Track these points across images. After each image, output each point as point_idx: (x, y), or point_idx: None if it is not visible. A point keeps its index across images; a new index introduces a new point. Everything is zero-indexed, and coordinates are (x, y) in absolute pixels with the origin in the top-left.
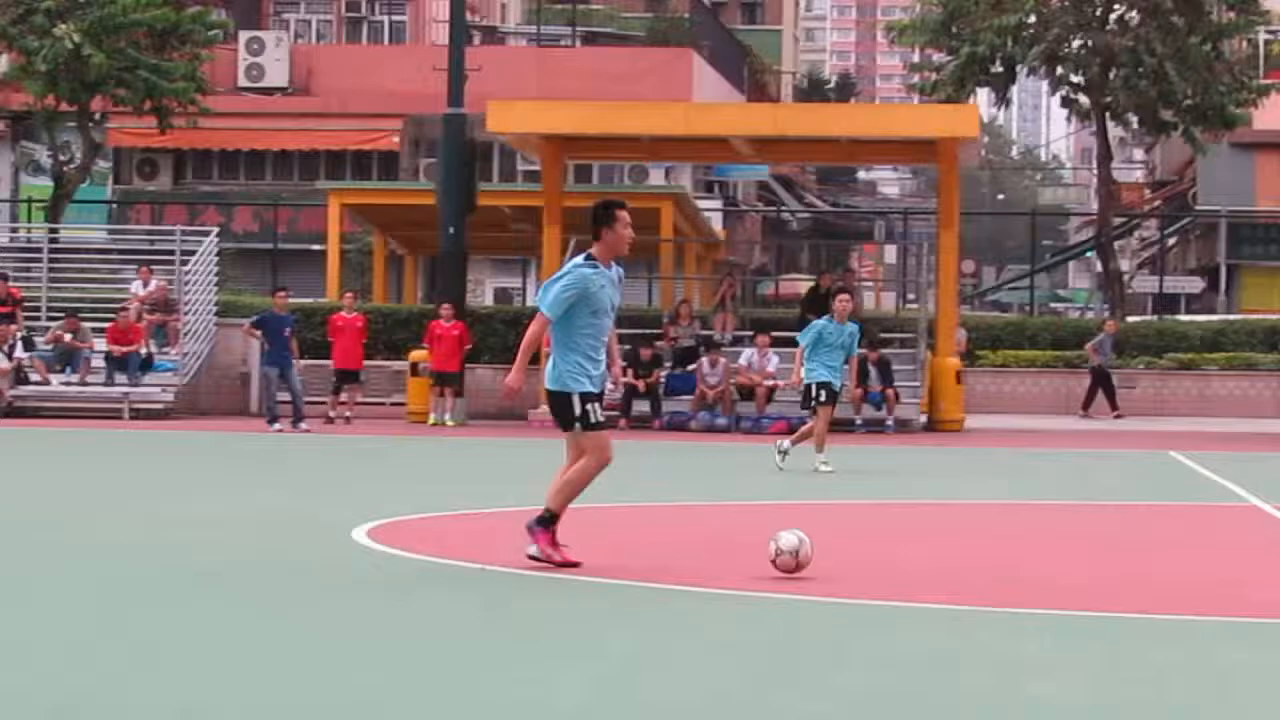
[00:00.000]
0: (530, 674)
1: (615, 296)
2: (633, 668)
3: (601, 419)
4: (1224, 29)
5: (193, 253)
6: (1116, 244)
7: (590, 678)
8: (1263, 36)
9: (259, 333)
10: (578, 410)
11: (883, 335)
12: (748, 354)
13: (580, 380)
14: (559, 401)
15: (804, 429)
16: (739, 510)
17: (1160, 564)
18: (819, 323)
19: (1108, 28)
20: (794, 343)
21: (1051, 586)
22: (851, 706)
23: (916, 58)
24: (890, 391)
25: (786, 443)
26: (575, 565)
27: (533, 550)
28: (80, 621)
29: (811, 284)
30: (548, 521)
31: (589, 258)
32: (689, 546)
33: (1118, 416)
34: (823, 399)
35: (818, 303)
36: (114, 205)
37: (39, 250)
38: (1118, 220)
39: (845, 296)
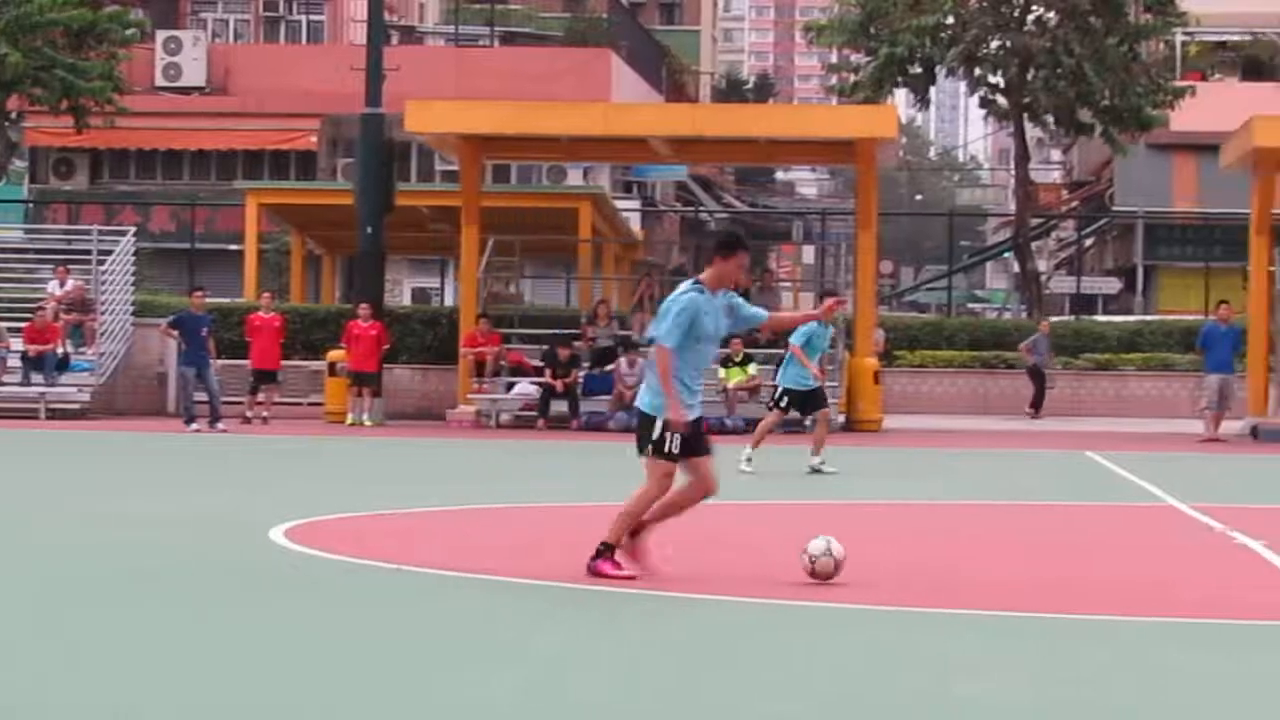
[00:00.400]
0: (451, 674)
1: (722, 324)
2: (560, 668)
3: (675, 452)
4: (1141, 30)
5: (109, 252)
6: (1034, 245)
7: (516, 678)
8: (1180, 38)
9: (176, 332)
10: (656, 433)
11: None
12: None
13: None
14: (644, 422)
15: (816, 434)
16: None
17: (1083, 564)
18: (812, 324)
19: (1026, 29)
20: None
21: (978, 587)
22: (789, 706)
23: (835, 58)
24: None
25: (815, 459)
26: (633, 578)
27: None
28: (2, 623)
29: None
30: (604, 552)
31: (697, 283)
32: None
33: (1034, 417)
34: (784, 404)
35: None
36: (30, 205)
37: None
38: (1035, 221)
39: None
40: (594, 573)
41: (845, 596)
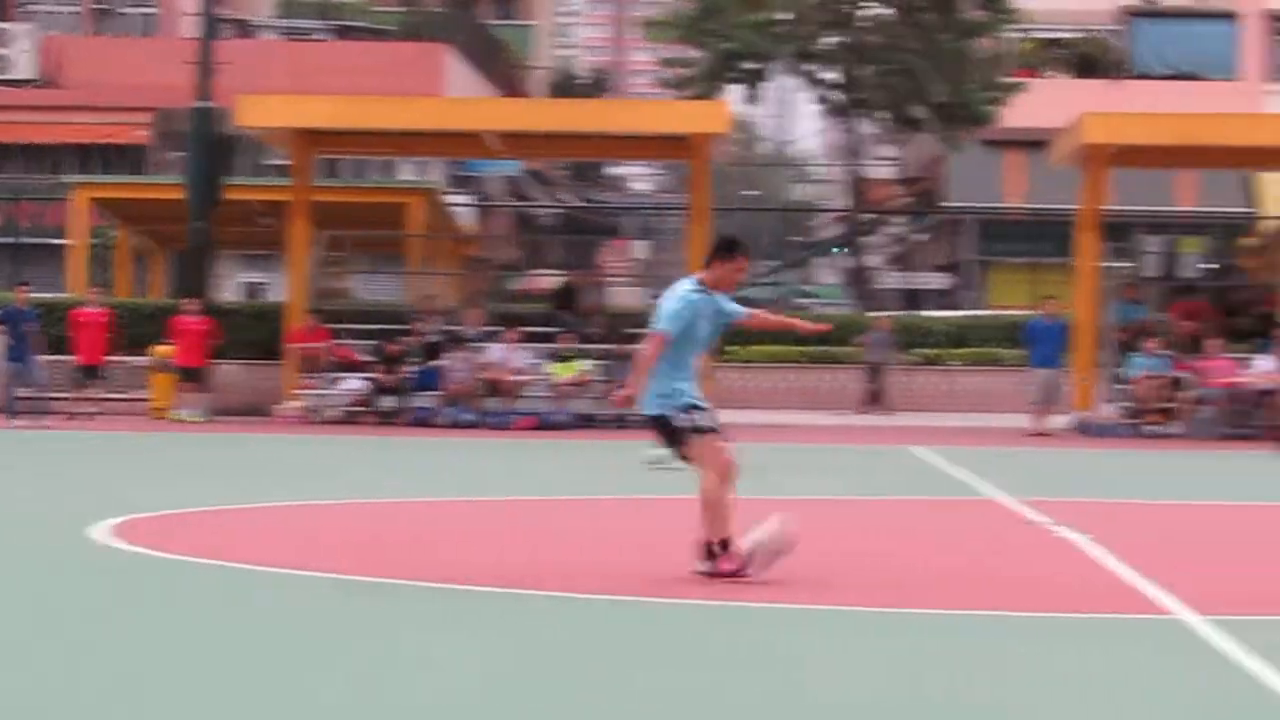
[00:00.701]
0: (282, 675)
1: (711, 330)
2: (401, 666)
3: (710, 424)
4: (974, 27)
5: None
6: (865, 240)
7: (345, 676)
8: (1012, 35)
9: (1, 328)
10: (680, 422)
11: (632, 331)
12: (496, 349)
13: (676, 397)
14: (659, 425)
15: None
16: (492, 506)
17: (909, 559)
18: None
19: (860, 25)
20: (541, 338)
21: (819, 582)
22: (636, 705)
23: (670, 54)
24: None
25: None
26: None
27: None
28: None
29: (562, 281)
30: (722, 549)
31: (700, 284)
32: (441, 542)
33: (863, 412)
34: None
35: (568, 299)
36: None
37: None
38: (867, 217)
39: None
40: (720, 574)
41: (706, 593)
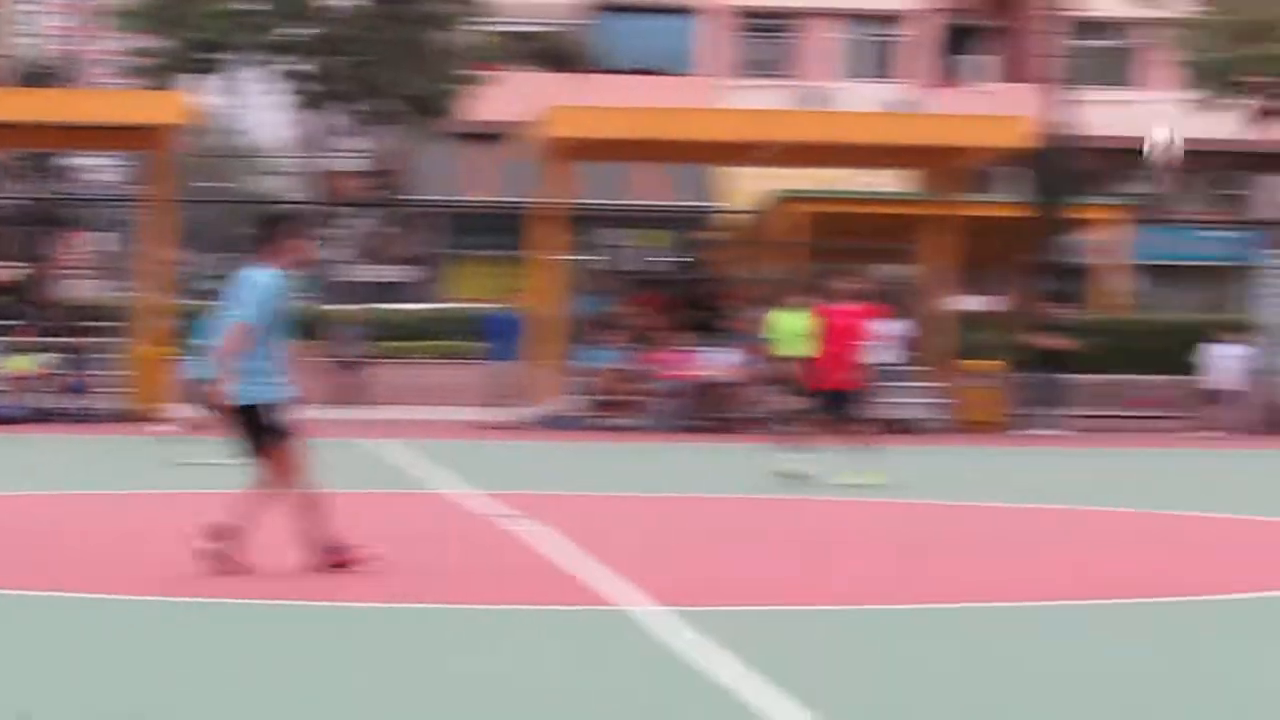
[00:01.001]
0: None
1: (287, 313)
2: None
3: (287, 426)
4: (439, 19)
5: None
6: (330, 233)
7: None
8: (481, 28)
9: None
10: (267, 421)
11: (88, 324)
12: None
13: (268, 388)
14: (244, 414)
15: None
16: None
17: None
18: None
19: (330, 16)
20: None
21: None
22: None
23: (136, 43)
24: (89, 379)
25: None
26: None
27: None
28: None
29: (22, 272)
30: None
31: (281, 270)
32: None
33: (335, 405)
34: None
35: (27, 291)
36: None
37: None
38: (332, 209)
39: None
40: (340, 565)
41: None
